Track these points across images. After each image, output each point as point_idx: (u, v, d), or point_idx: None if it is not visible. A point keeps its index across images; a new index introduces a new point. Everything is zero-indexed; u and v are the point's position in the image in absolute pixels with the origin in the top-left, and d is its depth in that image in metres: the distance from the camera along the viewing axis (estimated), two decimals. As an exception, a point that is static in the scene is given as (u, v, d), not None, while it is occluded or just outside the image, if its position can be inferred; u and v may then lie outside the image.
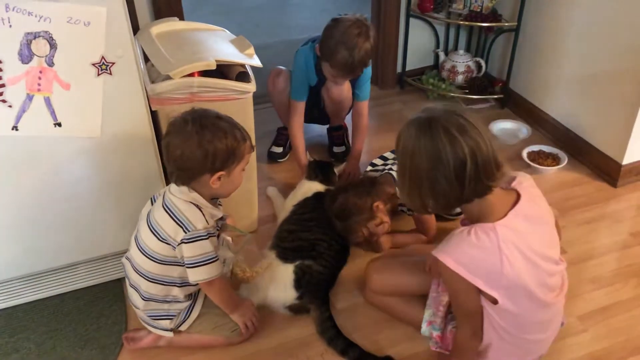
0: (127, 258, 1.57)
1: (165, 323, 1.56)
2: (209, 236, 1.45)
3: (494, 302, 1.29)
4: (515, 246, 1.25)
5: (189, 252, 1.43)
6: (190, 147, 1.36)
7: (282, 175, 2.36)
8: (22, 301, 1.75)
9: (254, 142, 1.80)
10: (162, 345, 1.61)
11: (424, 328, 1.53)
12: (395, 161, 1.88)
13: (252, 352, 1.62)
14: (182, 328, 1.58)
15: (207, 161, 1.38)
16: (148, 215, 1.50)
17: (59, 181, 1.60)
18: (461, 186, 1.19)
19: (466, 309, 1.35)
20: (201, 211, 1.44)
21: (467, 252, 1.24)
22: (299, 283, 1.69)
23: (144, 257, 1.48)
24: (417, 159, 1.21)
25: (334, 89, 2.20)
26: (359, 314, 1.73)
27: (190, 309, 1.58)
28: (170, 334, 1.57)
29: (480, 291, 1.29)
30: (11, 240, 1.64)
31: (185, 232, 1.41)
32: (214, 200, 1.52)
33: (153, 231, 1.46)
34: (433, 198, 1.24)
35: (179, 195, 1.44)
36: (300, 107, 2.19)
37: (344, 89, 2.21)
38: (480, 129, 1.21)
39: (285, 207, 1.97)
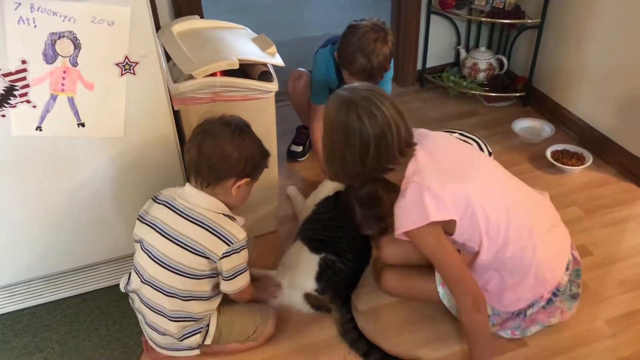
0: (141, 285, 1.47)
1: (196, 338, 1.50)
2: (246, 244, 1.44)
3: (453, 227, 1.37)
4: (434, 171, 1.36)
5: (229, 264, 1.41)
6: (229, 147, 1.38)
7: (301, 174, 2.35)
8: (44, 301, 1.76)
9: (275, 142, 1.80)
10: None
11: (441, 291, 1.54)
12: None
13: (274, 354, 1.61)
14: (207, 341, 1.53)
15: (240, 164, 1.39)
16: (164, 229, 1.42)
17: (81, 181, 1.59)
18: (363, 166, 1.34)
19: (454, 268, 1.38)
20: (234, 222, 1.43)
21: (411, 209, 1.34)
22: (320, 276, 1.68)
23: (172, 273, 1.41)
24: (333, 132, 1.35)
25: None
26: (381, 316, 1.71)
27: (209, 320, 1.53)
28: (197, 352, 1.53)
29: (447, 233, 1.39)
30: (33, 240, 1.64)
31: (229, 245, 1.39)
32: None
33: (182, 245, 1.40)
34: (341, 169, 1.39)
35: (207, 206, 1.41)
36: (321, 110, 2.16)
37: None
38: (393, 117, 1.31)
39: (307, 206, 1.95)
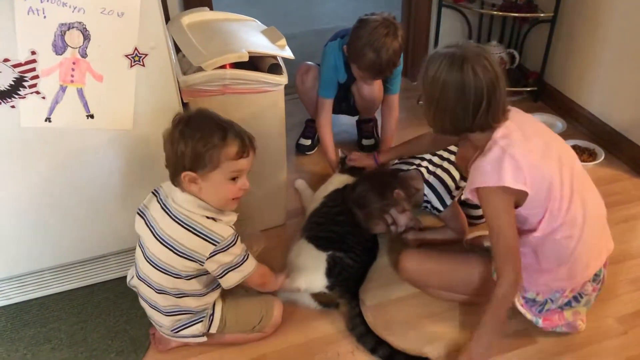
0: (138, 282, 1.50)
1: (198, 327, 1.50)
2: (237, 239, 1.40)
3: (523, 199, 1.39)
4: (521, 142, 1.39)
5: (214, 265, 1.38)
6: (167, 144, 1.36)
7: (310, 167, 2.34)
8: (53, 291, 1.77)
9: (284, 135, 1.79)
10: (192, 344, 1.59)
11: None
12: (428, 160, 1.90)
13: (283, 347, 1.61)
14: (212, 330, 1.52)
15: (178, 160, 1.35)
16: (156, 230, 1.41)
17: (90, 173, 1.59)
18: (473, 118, 1.38)
19: (510, 238, 1.40)
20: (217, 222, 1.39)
21: (488, 168, 1.38)
22: (330, 272, 1.67)
23: (161, 273, 1.41)
24: (446, 90, 1.37)
25: (365, 88, 2.16)
26: (389, 311, 1.71)
27: (213, 308, 1.53)
28: (204, 339, 1.53)
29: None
30: (42, 231, 1.64)
31: (215, 245, 1.36)
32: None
33: (169, 247, 1.38)
34: (450, 123, 1.42)
35: (188, 207, 1.37)
36: (328, 104, 2.16)
37: (375, 88, 2.17)
38: (500, 74, 1.37)
39: (315, 198, 1.95)
